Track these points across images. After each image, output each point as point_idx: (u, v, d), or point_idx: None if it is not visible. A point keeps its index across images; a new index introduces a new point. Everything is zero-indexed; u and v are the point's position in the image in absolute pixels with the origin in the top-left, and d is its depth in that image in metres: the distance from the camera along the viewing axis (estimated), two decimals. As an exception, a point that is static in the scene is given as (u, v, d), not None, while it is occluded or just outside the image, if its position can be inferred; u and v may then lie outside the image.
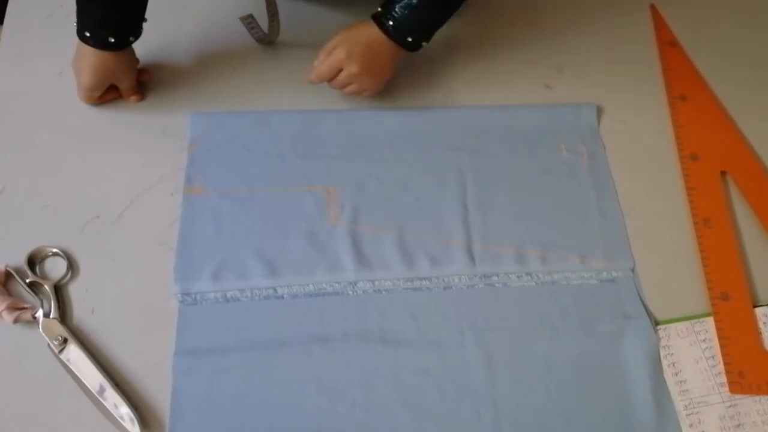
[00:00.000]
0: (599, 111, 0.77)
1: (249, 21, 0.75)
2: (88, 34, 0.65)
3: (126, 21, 0.67)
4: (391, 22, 0.66)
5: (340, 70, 0.68)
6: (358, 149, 0.72)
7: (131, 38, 0.68)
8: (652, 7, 0.86)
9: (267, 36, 0.77)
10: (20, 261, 0.63)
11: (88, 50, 0.67)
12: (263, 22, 0.75)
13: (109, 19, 0.65)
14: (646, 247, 0.68)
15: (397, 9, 0.65)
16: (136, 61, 0.72)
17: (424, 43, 0.69)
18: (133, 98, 0.73)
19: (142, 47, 0.74)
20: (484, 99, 0.77)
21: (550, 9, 0.85)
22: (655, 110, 0.78)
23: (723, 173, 0.73)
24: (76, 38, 0.66)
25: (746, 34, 0.85)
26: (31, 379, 0.58)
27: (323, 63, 0.69)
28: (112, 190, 0.68)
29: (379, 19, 0.67)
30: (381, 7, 0.67)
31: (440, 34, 0.68)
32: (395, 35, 0.67)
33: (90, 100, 0.72)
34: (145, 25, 0.69)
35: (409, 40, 0.67)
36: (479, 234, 0.67)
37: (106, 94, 0.72)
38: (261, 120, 0.73)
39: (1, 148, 0.70)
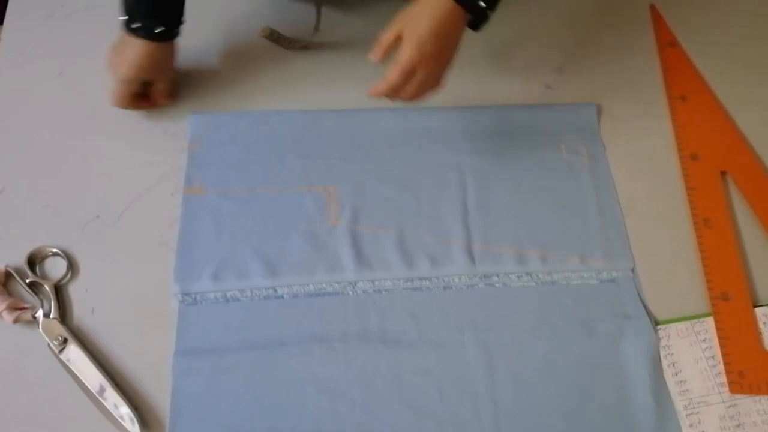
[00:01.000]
0: (599, 111, 0.77)
1: (270, 33, 0.73)
2: (136, 26, 0.65)
3: (172, 10, 0.66)
4: None
5: (414, 73, 0.58)
6: (358, 149, 0.72)
7: (176, 29, 0.67)
8: (652, 7, 0.86)
9: (300, 40, 0.75)
10: (20, 261, 0.63)
11: (135, 42, 0.66)
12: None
13: (158, 9, 0.65)
14: (646, 247, 0.68)
15: None
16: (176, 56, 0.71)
17: (490, 13, 0.58)
18: (163, 100, 0.72)
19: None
20: (484, 99, 0.77)
21: (550, 9, 0.85)
22: (655, 110, 0.78)
23: (723, 173, 0.73)
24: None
25: (746, 34, 0.85)
26: (31, 379, 0.58)
27: (396, 72, 0.57)
28: (112, 190, 0.68)
29: None
30: None
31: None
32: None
33: (123, 99, 0.69)
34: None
35: (482, 4, 0.57)
36: (479, 234, 0.67)
37: (139, 101, 0.71)
38: (261, 120, 0.73)
39: (1, 148, 0.70)
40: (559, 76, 0.80)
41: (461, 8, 0.57)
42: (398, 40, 0.58)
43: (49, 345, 0.59)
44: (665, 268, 0.67)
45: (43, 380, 0.58)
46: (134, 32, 0.65)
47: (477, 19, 0.59)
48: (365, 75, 0.77)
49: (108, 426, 0.56)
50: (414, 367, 0.61)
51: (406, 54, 0.57)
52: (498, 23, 0.82)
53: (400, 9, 0.65)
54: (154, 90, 0.71)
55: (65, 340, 0.59)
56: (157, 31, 0.65)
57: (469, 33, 0.82)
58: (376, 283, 0.64)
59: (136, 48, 0.66)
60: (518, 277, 0.66)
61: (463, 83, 0.78)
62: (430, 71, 0.58)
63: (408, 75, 0.58)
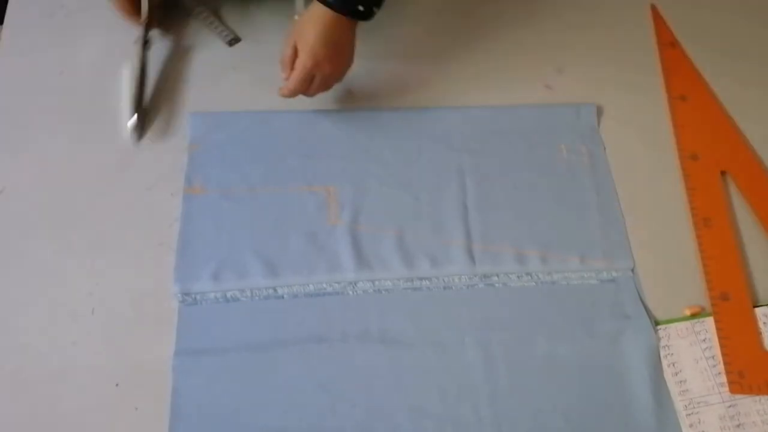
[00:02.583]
0: (599, 111, 0.77)
1: (205, 16, 0.72)
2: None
3: None
4: None
5: (313, 77, 0.66)
6: (358, 149, 0.72)
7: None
8: (652, 7, 0.86)
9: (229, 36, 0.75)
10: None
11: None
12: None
13: None
14: (646, 247, 0.68)
15: None
16: None
17: (375, 9, 0.64)
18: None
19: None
20: (485, 99, 0.77)
21: (550, 9, 0.85)
22: (655, 110, 0.78)
23: (723, 173, 0.73)
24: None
25: (746, 34, 0.85)
26: (31, 379, 0.58)
27: (294, 79, 0.65)
28: (112, 190, 0.68)
29: None
30: None
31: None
32: (344, 7, 0.62)
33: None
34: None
35: (360, 8, 0.63)
36: (479, 234, 0.67)
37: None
38: (261, 120, 0.73)
39: (1, 148, 0.70)
40: (559, 76, 0.80)
41: (343, 16, 0.63)
42: (296, 52, 0.65)
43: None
44: (665, 268, 0.67)
45: (44, 380, 0.58)
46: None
47: (363, 17, 0.64)
48: (365, 74, 0.78)
49: (108, 426, 0.56)
50: (414, 367, 0.61)
51: (301, 63, 0.64)
52: (498, 24, 0.83)
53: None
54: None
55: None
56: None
57: (470, 33, 0.82)
58: (376, 283, 0.64)
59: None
60: (518, 277, 0.66)
61: (463, 83, 0.78)
62: (327, 72, 0.66)
63: (307, 79, 0.66)
